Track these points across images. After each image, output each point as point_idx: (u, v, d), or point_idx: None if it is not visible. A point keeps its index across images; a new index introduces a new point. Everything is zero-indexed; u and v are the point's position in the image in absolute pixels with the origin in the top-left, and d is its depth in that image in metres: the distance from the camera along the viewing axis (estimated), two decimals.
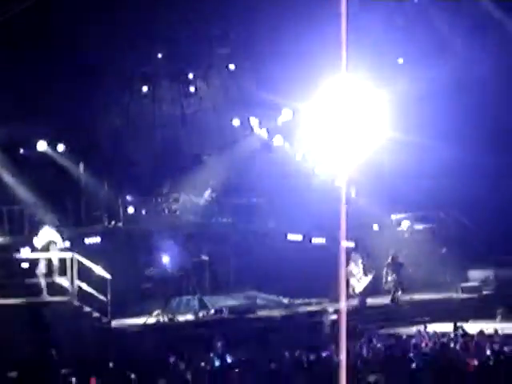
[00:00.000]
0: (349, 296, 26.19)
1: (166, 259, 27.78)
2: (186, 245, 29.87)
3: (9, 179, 27.89)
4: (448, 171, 31.04)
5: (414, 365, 15.93)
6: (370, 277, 27.38)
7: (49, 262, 21.30)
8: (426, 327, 20.90)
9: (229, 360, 18.29)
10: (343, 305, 11.81)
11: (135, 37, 29.04)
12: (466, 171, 30.94)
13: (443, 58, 30.00)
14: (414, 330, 21.63)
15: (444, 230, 33.17)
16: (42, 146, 29.61)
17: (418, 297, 28.49)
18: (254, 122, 33.86)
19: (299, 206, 32.30)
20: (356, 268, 27.17)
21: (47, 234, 21.54)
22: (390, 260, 27.99)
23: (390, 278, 27.72)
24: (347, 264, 26.91)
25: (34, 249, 21.71)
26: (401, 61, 31.20)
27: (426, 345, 18.99)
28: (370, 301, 27.58)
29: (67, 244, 23.15)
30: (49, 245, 21.37)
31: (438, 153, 30.04)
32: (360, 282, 27.01)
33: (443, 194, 31.38)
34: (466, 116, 29.95)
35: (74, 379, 16.91)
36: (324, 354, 19.00)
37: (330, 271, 29.76)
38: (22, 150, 29.90)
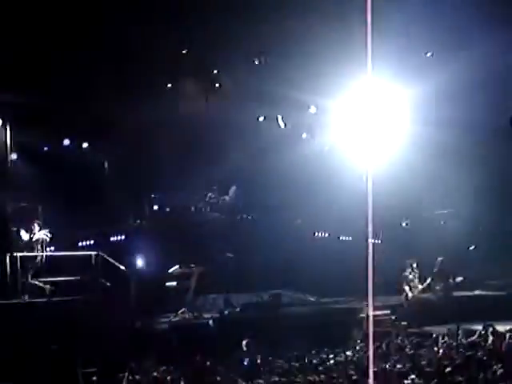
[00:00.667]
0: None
1: (190, 257, 27.67)
2: (211, 242, 29.78)
3: (31, 177, 27.85)
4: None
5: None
6: (424, 285, 26.83)
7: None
8: (458, 326, 20.46)
9: (255, 358, 18.09)
10: (371, 303, 11.53)
11: (159, 33, 28.93)
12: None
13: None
14: (444, 329, 21.22)
15: (471, 227, 32.90)
16: (66, 143, 29.70)
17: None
18: (280, 118, 33.70)
19: (327, 202, 32.11)
20: (412, 274, 26.66)
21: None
22: (437, 269, 27.49)
23: (438, 287, 27.21)
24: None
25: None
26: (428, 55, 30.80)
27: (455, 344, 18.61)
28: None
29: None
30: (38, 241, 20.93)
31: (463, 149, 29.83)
32: (413, 291, 26.48)
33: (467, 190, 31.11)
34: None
35: (95, 378, 16.83)
36: (351, 353, 18.80)
37: (358, 269, 29.81)
38: (45, 148, 29.96)
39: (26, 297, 19.85)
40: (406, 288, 26.29)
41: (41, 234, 20.74)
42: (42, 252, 20.65)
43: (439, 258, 27.73)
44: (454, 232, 31.28)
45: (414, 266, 26.51)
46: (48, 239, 20.93)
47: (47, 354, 18.61)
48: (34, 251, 20.47)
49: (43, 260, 20.61)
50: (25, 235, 20.67)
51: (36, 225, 20.94)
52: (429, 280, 26.93)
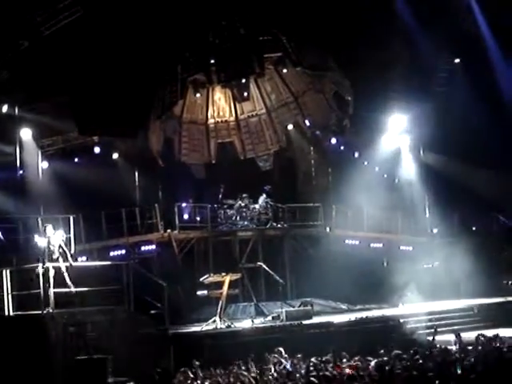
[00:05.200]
0: None
1: (221, 265, 27.65)
2: (241, 251, 29.74)
3: (65, 188, 28.02)
4: None
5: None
6: None
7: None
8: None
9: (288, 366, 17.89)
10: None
11: (186, 44, 29.02)
12: None
13: None
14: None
15: (504, 233, 32.68)
16: (97, 153, 29.97)
17: (478, 301, 27.90)
18: (307, 125, 33.70)
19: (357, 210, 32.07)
20: None
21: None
22: None
23: None
24: None
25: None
26: None
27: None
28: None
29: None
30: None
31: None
32: None
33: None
34: None
35: None
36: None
37: (389, 276, 29.75)
38: (76, 159, 30.15)
39: (50, 308, 19.52)
40: None
41: (57, 237, 20.23)
42: (67, 254, 20.15)
43: None
44: None
45: None
46: (64, 239, 20.49)
47: (75, 365, 18.54)
48: (54, 256, 19.97)
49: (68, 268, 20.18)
50: (41, 241, 20.20)
51: (49, 228, 20.14)
52: None
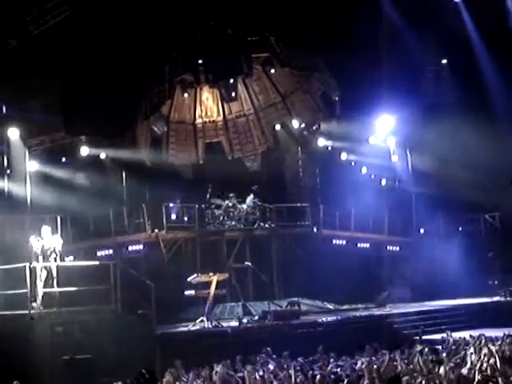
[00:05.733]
0: None
1: (208, 265, 27.62)
2: (229, 251, 29.73)
3: (52, 187, 27.96)
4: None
5: None
6: None
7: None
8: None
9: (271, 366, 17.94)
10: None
11: (174, 44, 29.01)
12: None
13: None
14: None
15: (491, 234, 32.78)
16: (84, 153, 29.93)
17: (464, 301, 27.99)
18: (295, 125, 33.73)
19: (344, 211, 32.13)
20: None
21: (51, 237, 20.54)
22: None
23: None
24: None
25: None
26: None
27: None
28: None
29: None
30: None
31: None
32: None
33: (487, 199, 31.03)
34: None
35: None
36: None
37: (376, 276, 29.80)
38: (64, 159, 30.09)
39: (38, 308, 19.49)
40: None
41: (54, 241, 20.19)
42: (57, 258, 20.13)
43: None
44: None
45: None
46: (61, 245, 20.47)
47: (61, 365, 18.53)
48: (48, 259, 19.92)
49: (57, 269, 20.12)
50: (36, 243, 20.13)
51: (45, 231, 20.24)
52: None
